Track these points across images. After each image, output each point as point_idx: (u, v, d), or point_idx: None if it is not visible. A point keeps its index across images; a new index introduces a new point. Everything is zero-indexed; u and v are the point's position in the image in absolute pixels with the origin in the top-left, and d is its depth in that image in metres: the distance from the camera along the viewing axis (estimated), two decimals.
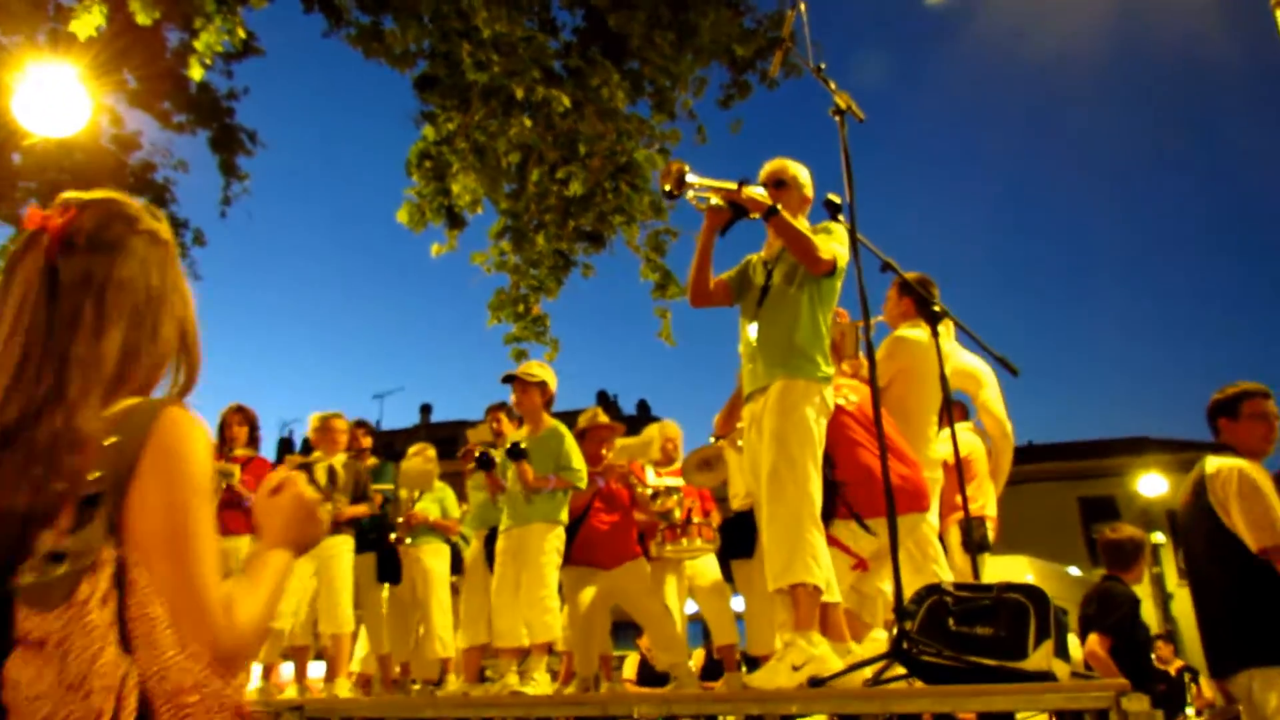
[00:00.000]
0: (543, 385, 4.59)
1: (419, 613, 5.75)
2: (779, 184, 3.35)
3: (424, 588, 5.66)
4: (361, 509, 5.31)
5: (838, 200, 3.10)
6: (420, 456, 5.81)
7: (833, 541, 3.12)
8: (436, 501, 5.87)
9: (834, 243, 3.18)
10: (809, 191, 3.42)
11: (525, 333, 6.48)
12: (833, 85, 3.11)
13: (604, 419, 5.13)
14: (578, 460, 4.45)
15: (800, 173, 3.42)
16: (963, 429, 4.46)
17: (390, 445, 6.18)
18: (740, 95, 6.62)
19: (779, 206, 3.10)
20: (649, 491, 4.96)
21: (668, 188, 3.06)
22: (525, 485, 4.30)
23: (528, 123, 5.82)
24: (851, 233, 3.01)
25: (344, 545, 5.21)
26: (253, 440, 5.75)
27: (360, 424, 6.09)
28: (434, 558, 5.74)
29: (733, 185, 3.12)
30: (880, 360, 3.70)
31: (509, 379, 4.62)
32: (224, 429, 5.69)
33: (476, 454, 4.87)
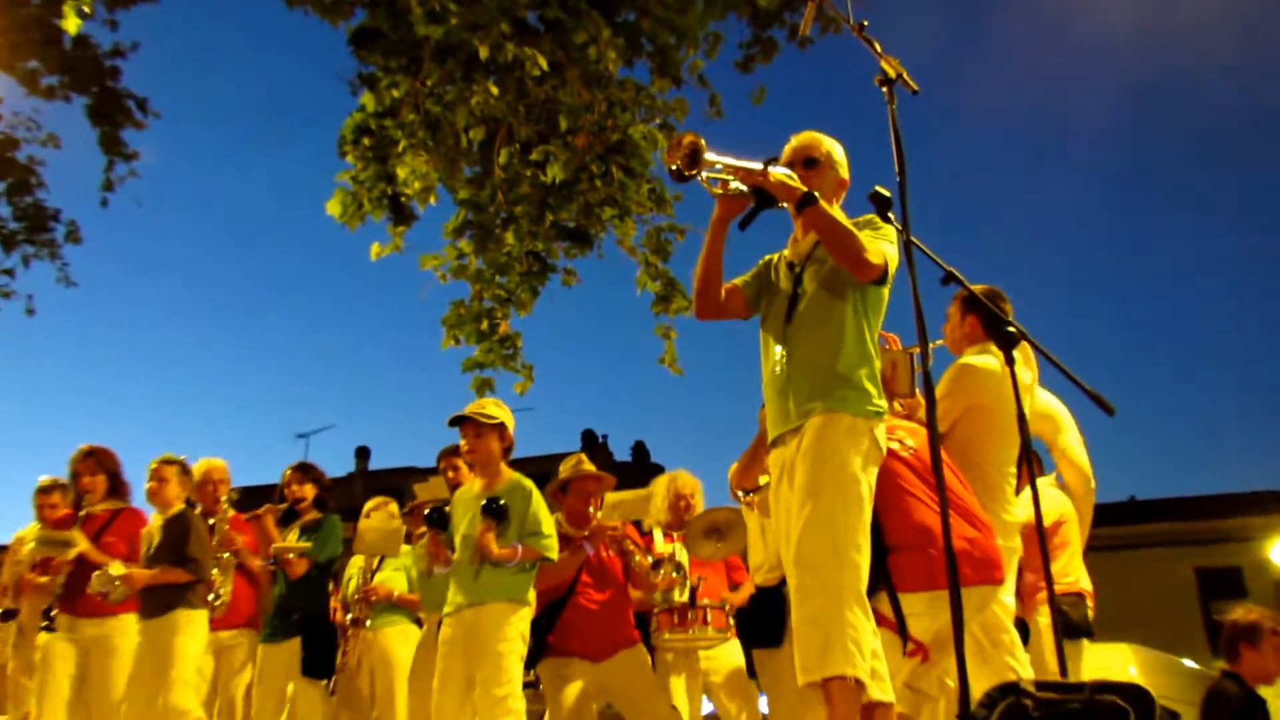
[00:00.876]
0: (501, 428, 4.57)
1: (376, 711, 5.72)
2: (810, 163, 3.36)
3: (385, 680, 5.66)
4: (173, 575, 5.24)
5: (886, 194, 3.08)
6: (382, 512, 5.80)
7: (881, 621, 3.08)
8: (402, 570, 5.86)
9: (883, 242, 3.19)
10: (845, 173, 3.43)
11: (490, 357, 6.48)
12: (878, 47, 3.11)
13: (590, 467, 5.14)
14: (548, 524, 4.42)
15: (835, 150, 3.43)
16: (1045, 484, 4.47)
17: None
18: (763, 57, 6.67)
19: (816, 194, 3.11)
20: (648, 561, 4.94)
21: (676, 166, 3.04)
22: (486, 555, 4.26)
23: (494, 89, 5.85)
24: (903, 234, 2.98)
25: (181, 622, 5.21)
26: (116, 490, 5.77)
27: (301, 469, 6.10)
28: (398, 641, 5.74)
29: (757, 166, 3.12)
30: (941, 396, 3.70)
31: (458, 421, 4.62)
32: (75, 479, 5.67)
33: (426, 511, 4.86)
